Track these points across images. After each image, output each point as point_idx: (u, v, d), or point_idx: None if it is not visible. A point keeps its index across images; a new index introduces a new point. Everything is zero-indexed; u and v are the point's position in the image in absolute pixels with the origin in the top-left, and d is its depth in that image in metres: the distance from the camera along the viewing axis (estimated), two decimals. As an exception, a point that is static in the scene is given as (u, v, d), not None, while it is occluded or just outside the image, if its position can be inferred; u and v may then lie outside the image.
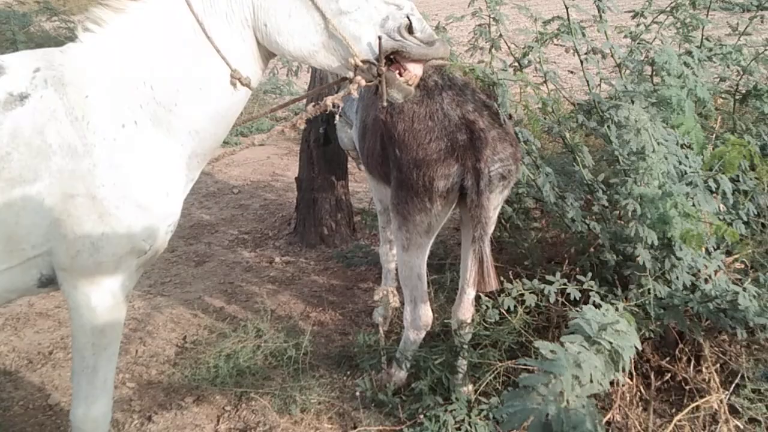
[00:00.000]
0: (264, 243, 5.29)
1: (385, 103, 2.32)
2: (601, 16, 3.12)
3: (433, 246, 4.42)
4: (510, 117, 3.06)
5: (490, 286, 2.86)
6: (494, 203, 2.95)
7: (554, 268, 3.59)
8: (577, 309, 2.90)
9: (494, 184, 2.86)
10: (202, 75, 2.30)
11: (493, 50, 3.88)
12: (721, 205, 3.29)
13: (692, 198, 2.64)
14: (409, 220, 2.99)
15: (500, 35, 3.78)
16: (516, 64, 3.81)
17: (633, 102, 2.78)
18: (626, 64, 3.10)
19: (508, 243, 3.94)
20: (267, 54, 2.43)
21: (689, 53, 2.87)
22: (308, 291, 4.49)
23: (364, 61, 2.29)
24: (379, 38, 2.25)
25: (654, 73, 2.90)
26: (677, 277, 3.01)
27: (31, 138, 2.09)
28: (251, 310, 4.13)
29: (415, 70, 2.33)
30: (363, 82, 2.32)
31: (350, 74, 2.34)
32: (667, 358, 3.20)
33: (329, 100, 2.43)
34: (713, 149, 2.83)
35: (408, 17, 2.27)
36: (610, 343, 1.88)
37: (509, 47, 3.83)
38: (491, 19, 3.75)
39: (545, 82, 3.53)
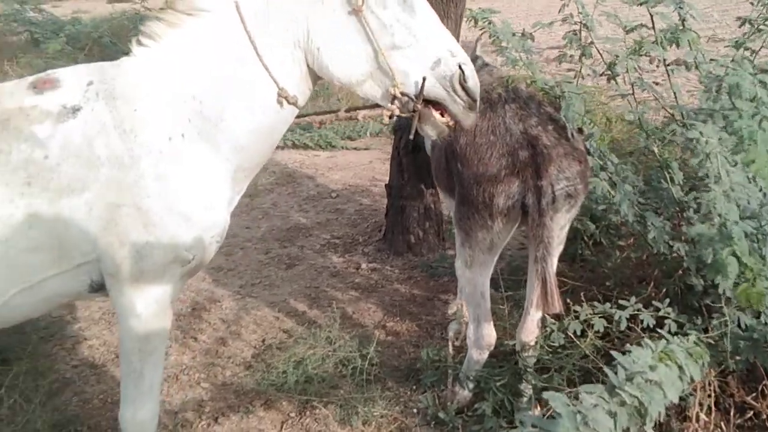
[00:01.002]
0: (354, 248, 5.32)
1: (411, 136, 2.40)
2: (683, 25, 2.89)
3: (508, 261, 4.32)
4: (581, 131, 2.90)
5: (554, 308, 2.72)
6: (560, 223, 2.81)
7: (639, 290, 3.38)
8: (650, 336, 2.74)
9: (559, 203, 2.72)
10: (249, 92, 2.36)
11: (583, 58, 3.71)
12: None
13: (759, 242, 2.37)
14: (471, 236, 2.90)
15: (591, 42, 3.59)
16: (609, 72, 3.61)
17: (707, 122, 2.54)
18: (703, 81, 2.85)
19: (590, 261, 3.74)
20: (315, 76, 2.46)
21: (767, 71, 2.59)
22: (389, 300, 4.47)
23: (403, 94, 2.32)
24: (424, 78, 2.30)
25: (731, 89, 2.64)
26: (765, 308, 2.75)
27: (81, 149, 2.20)
28: (330, 316, 4.15)
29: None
30: (397, 111, 2.37)
31: (387, 104, 2.37)
32: (753, 394, 2.93)
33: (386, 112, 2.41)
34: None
35: (461, 66, 2.32)
36: (634, 396, 1.72)
37: (601, 55, 3.63)
38: (582, 26, 3.57)
39: (632, 93, 3.31)
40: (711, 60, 2.86)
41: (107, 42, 9.25)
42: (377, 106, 2.48)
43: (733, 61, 2.81)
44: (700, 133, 2.33)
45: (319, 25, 2.35)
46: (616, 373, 1.87)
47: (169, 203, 2.27)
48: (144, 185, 2.23)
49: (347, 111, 2.82)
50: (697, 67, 2.86)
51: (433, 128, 2.44)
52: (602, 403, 1.73)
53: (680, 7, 2.80)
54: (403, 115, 2.40)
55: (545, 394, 1.71)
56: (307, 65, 2.41)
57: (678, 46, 2.97)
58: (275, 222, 5.92)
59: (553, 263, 2.87)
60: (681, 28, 2.87)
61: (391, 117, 2.41)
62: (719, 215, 2.31)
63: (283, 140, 7.06)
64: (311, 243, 5.49)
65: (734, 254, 2.23)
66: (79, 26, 10.09)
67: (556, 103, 2.84)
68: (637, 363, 1.90)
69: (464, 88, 2.35)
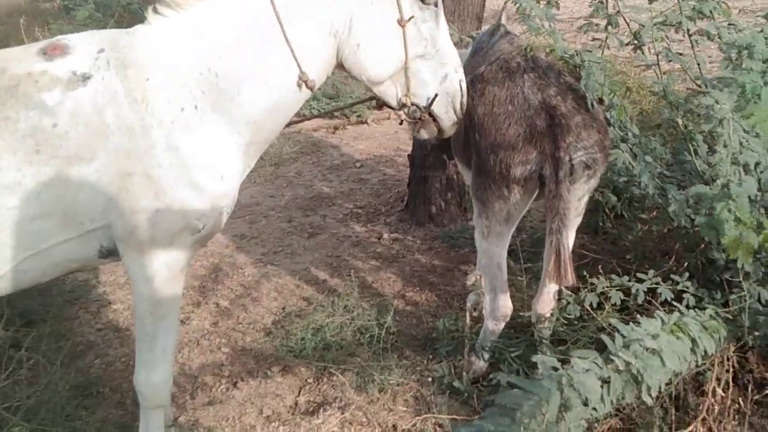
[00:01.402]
0: (376, 218, 5.33)
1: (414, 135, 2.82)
2: (707, -7, 2.81)
3: (530, 233, 4.29)
4: (601, 101, 2.85)
5: (567, 281, 2.71)
6: (578, 194, 2.77)
7: (660, 263, 3.34)
8: (669, 309, 2.72)
9: (577, 173, 2.69)
10: (270, 71, 2.42)
11: (609, 27, 3.63)
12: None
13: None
14: (488, 207, 2.88)
15: (618, 11, 3.51)
16: (635, 42, 3.53)
17: (723, 90, 2.48)
18: (723, 48, 2.77)
19: (612, 234, 3.69)
20: (335, 65, 2.60)
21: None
22: (409, 270, 4.48)
23: (413, 104, 2.63)
24: (436, 95, 2.63)
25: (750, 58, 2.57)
26: (787, 284, 2.72)
27: (90, 118, 2.20)
28: (350, 285, 4.18)
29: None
30: (403, 116, 2.68)
31: (395, 107, 2.67)
32: (773, 370, 2.89)
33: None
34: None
35: (460, 85, 2.67)
36: (628, 363, 1.71)
37: (628, 24, 3.54)
38: (609, -6, 3.49)
39: (657, 63, 3.24)
40: (729, 25, 2.78)
41: (136, 8, 9.29)
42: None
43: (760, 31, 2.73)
44: (715, 100, 2.29)
45: (364, 24, 2.50)
46: (614, 341, 1.86)
47: (180, 173, 2.28)
48: (155, 154, 2.25)
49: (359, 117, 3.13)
50: (719, 37, 2.78)
51: (428, 133, 2.82)
52: (595, 368, 1.72)
53: (702, -25, 2.73)
54: (409, 120, 2.71)
55: (534, 357, 1.71)
56: (334, 54, 2.54)
57: (704, 17, 2.90)
58: (299, 191, 5.95)
59: (569, 236, 2.85)
60: (703, -3, 2.79)
61: (401, 123, 2.77)
62: (725, 176, 2.29)
63: (309, 109, 7.11)
64: (334, 212, 5.51)
65: (730, 211, 2.19)
66: (108, -6, 10.14)
67: (576, 73, 2.79)
68: (636, 331, 1.88)
69: (461, 106, 2.70)
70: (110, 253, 2.40)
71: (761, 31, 2.74)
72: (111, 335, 3.80)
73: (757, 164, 2.40)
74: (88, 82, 2.22)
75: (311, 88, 2.51)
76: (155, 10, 2.41)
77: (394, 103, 2.67)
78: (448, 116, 2.72)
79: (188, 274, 4.44)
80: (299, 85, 2.48)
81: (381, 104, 2.87)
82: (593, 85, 2.63)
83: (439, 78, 2.64)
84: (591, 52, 2.70)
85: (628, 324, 2.34)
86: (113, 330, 3.88)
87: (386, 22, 2.51)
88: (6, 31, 10.53)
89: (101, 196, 2.24)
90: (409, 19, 2.51)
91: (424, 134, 2.83)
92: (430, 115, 2.68)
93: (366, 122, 7.59)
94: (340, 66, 2.62)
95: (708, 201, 2.32)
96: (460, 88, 2.67)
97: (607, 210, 3.67)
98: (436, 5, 2.61)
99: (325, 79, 2.62)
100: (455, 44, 4.22)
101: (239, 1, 2.41)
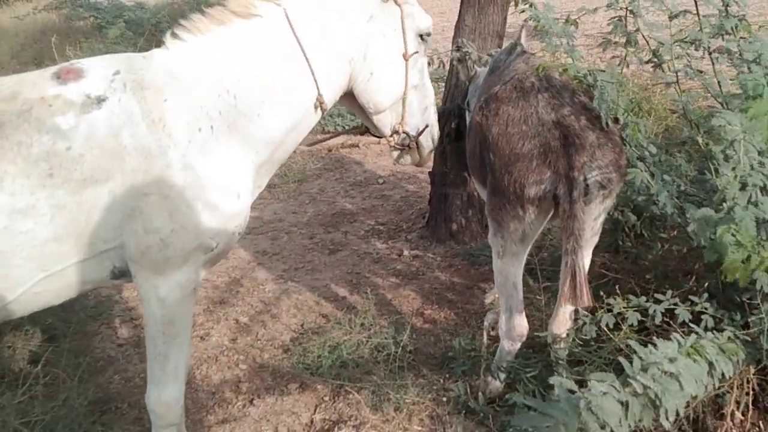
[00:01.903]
0: (397, 235, 5.33)
1: (396, 162, 3.14)
2: (727, 12, 2.77)
3: (550, 251, 4.25)
4: (616, 120, 2.83)
5: (582, 302, 2.68)
6: (593, 214, 2.75)
7: (681, 283, 3.30)
8: (687, 331, 2.67)
9: (592, 193, 2.66)
10: (292, 92, 2.56)
11: (628, 45, 3.61)
12: None
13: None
14: (503, 226, 2.87)
15: (637, 29, 3.49)
16: (654, 60, 3.51)
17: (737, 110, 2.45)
18: (736, 63, 2.73)
19: (631, 253, 3.65)
20: (343, 90, 2.78)
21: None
22: (429, 287, 4.47)
23: (404, 131, 2.91)
24: (426, 125, 2.97)
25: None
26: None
27: (106, 140, 2.24)
28: (371, 302, 4.18)
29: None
30: (392, 142, 2.96)
31: (389, 134, 2.93)
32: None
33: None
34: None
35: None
36: (645, 387, 1.69)
37: (647, 42, 3.52)
38: (628, 12, 3.48)
39: (677, 81, 3.21)
40: (751, 42, 2.75)
41: (166, 27, 9.45)
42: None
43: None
44: (727, 121, 2.27)
45: (377, 55, 2.73)
46: (631, 364, 1.84)
47: (196, 193, 2.33)
48: (171, 174, 2.29)
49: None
50: (741, 55, 2.75)
51: (411, 160, 3.10)
52: (612, 392, 1.70)
53: (723, -8, 2.70)
54: (398, 147, 3.00)
55: (551, 379, 1.69)
56: (348, 80, 2.74)
57: (725, 34, 2.87)
58: (321, 207, 5.97)
59: (585, 256, 2.83)
60: (724, 14, 2.76)
61: (390, 145, 3.01)
62: (732, 199, 2.26)
63: (334, 126, 7.16)
64: (356, 229, 5.53)
65: (733, 235, 2.16)
66: (139, 12, 10.33)
67: (591, 92, 2.77)
68: (654, 354, 1.86)
69: (435, 137, 3.08)
70: (122, 274, 2.43)
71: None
72: (131, 351, 3.85)
73: (763, 187, 2.36)
74: (103, 105, 2.26)
75: (324, 111, 2.68)
76: (174, 35, 2.49)
77: (387, 131, 2.92)
78: (427, 145, 3.05)
79: (209, 290, 4.50)
80: (316, 107, 2.64)
81: (365, 131, 3.14)
82: (606, 104, 2.61)
83: (422, 109, 2.95)
84: (604, 71, 2.68)
85: (645, 346, 2.31)
86: (134, 346, 3.92)
87: (395, 55, 2.76)
88: (40, 49, 10.79)
89: (115, 216, 2.27)
90: (413, 53, 2.80)
91: (407, 160, 3.11)
92: (416, 143, 2.98)
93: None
94: (348, 93, 2.81)
95: (712, 224, 2.29)
96: (437, 119, 3.08)
97: (627, 229, 3.63)
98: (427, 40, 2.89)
99: (335, 102, 2.82)
100: (474, 62, 4.25)
101: (263, 27, 2.52)
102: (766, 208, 2.27)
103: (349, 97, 2.85)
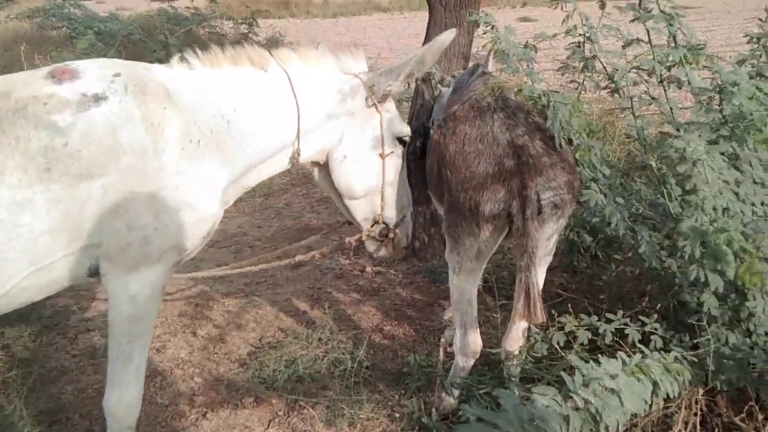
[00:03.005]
0: (361, 251, 5.33)
1: (374, 254, 3.43)
2: (676, 42, 2.85)
3: (510, 270, 4.30)
4: (570, 142, 2.89)
5: (536, 318, 2.71)
6: (546, 233, 2.79)
7: (634, 304, 3.36)
8: (633, 351, 2.72)
9: (546, 212, 2.71)
10: (276, 137, 2.83)
11: (585, 71, 3.68)
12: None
13: (753, 239, 2.35)
14: (459, 243, 2.91)
15: (594, 55, 3.56)
16: (611, 85, 3.58)
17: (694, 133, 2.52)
18: (695, 93, 2.81)
19: (586, 274, 3.71)
20: (319, 162, 3.10)
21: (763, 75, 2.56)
22: (389, 303, 4.48)
23: (384, 222, 3.21)
24: (404, 216, 3.31)
25: (722, 101, 2.60)
26: (755, 328, 2.72)
27: (103, 137, 2.33)
28: (329, 317, 4.19)
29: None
30: (372, 233, 3.24)
31: (367, 224, 3.22)
32: (742, 415, 2.88)
33: (347, 240, 3.39)
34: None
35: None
36: (586, 401, 1.72)
37: (605, 68, 3.60)
38: (585, 38, 3.55)
39: (632, 107, 3.28)
40: (705, 68, 2.84)
41: (137, 39, 9.44)
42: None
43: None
44: (687, 142, 2.34)
45: (352, 143, 3.04)
46: (573, 379, 1.87)
47: (182, 196, 2.46)
48: (163, 176, 2.41)
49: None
50: (689, 83, 2.83)
51: (386, 252, 3.39)
52: (554, 405, 1.73)
53: (670, 24, 2.77)
54: (377, 237, 3.27)
55: (496, 391, 1.72)
56: (323, 152, 3.03)
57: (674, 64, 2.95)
58: (287, 222, 5.98)
59: (538, 273, 2.87)
60: (673, 45, 2.84)
61: (367, 237, 3.28)
62: (713, 209, 2.32)
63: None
64: (320, 244, 5.51)
65: (730, 243, 2.21)
66: (111, 23, 10.31)
67: (545, 113, 2.83)
68: (596, 370, 1.90)
69: (411, 234, 3.44)
70: (96, 272, 2.47)
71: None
72: (85, 362, 3.80)
73: (725, 209, 2.43)
74: (101, 103, 2.36)
75: (295, 164, 2.99)
76: (182, 59, 2.71)
77: (360, 218, 3.22)
78: (402, 239, 3.35)
79: (168, 302, 4.47)
80: (291, 159, 2.94)
81: (346, 221, 3.48)
82: (559, 125, 2.67)
83: (400, 205, 3.27)
84: (558, 92, 2.74)
85: (592, 363, 2.35)
86: (88, 357, 3.87)
87: (370, 150, 3.07)
88: (10, 57, 10.68)
89: (104, 213, 2.34)
90: (389, 153, 3.10)
91: (382, 252, 3.40)
92: (392, 239, 3.28)
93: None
94: (328, 177, 3.12)
95: (700, 235, 2.34)
96: (412, 219, 3.42)
97: (582, 250, 3.69)
98: (405, 144, 3.22)
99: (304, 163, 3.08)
100: (439, 83, 4.30)
101: (266, 79, 2.81)
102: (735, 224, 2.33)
103: (327, 179, 3.15)
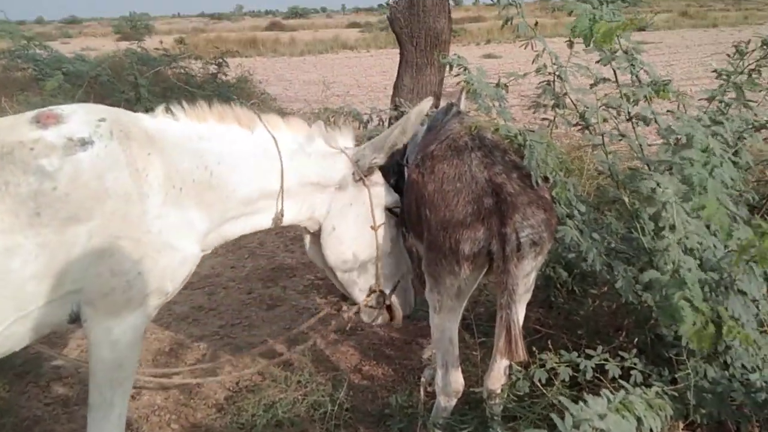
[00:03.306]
0: (336, 290, 5.28)
1: (372, 323, 3.48)
2: (640, 81, 2.94)
3: (487, 306, 4.31)
4: (546, 179, 2.93)
5: (518, 356, 2.71)
6: (525, 270, 2.81)
7: (611, 338, 3.38)
8: (618, 386, 2.73)
9: (525, 250, 2.72)
10: (257, 198, 2.86)
11: (556, 108, 3.76)
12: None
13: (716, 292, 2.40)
14: (439, 282, 2.91)
15: (565, 93, 3.64)
16: (582, 122, 3.66)
17: (664, 173, 2.58)
18: (662, 133, 2.89)
19: (563, 309, 3.73)
20: (311, 231, 3.18)
21: (720, 123, 2.63)
22: (368, 342, 4.45)
23: (380, 291, 3.27)
24: (399, 281, 3.36)
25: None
26: (732, 361, 2.76)
27: (89, 182, 2.33)
28: (308, 358, 4.14)
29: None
30: (371, 302, 3.31)
31: (363, 295, 3.29)
32: (721, 449, 2.90)
33: (345, 315, 3.42)
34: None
35: (412, 284, 3.48)
36: None
37: (575, 105, 3.67)
38: (555, 77, 3.63)
39: (603, 143, 3.35)
40: (668, 111, 2.92)
41: (105, 80, 9.40)
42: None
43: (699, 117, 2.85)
44: (657, 183, 2.38)
45: (340, 215, 3.10)
46: (563, 420, 1.87)
47: (165, 240, 2.47)
48: (146, 221, 2.42)
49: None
50: (656, 121, 2.90)
51: (383, 319, 3.43)
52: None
53: (632, 65, 2.85)
54: (374, 306, 3.33)
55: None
56: (311, 219, 3.09)
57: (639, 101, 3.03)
58: (260, 262, 5.94)
59: (518, 310, 2.88)
60: (637, 84, 2.92)
61: (365, 307, 3.35)
62: (673, 262, 2.34)
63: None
64: (295, 284, 5.50)
65: (687, 299, 2.24)
66: (79, 64, 10.26)
67: (521, 151, 2.87)
68: (585, 411, 1.90)
69: (412, 302, 3.49)
70: (77, 319, 2.44)
71: (700, 119, 2.87)
72: (59, 410, 3.70)
73: (693, 250, 2.47)
74: (88, 148, 2.36)
75: (278, 224, 2.99)
76: (167, 110, 2.74)
77: (356, 292, 3.29)
78: (402, 308, 3.39)
79: (143, 348, 4.38)
80: (274, 219, 2.96)
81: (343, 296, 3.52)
82: (535, 163, 2.71)
83: (399, 273, 3.33)
84: (533, 131, 2.79)
85: (577, 402, 2.35)
86: (61, 405, 3.78)
87: (360, 223, 3.12)
88: (-24, 99, 10.57)
89: (88, 257, 2.32)
90: (380, 225, 3.16)
91: (380, 321, 3.43)
92: (389, 307, 3.34)
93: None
94: (316, 244, 3.17)
95: (660, 287, 2.37)
96: (412, 286, 3.42)
97: (559, 285, 3.72)
98: (397, 215, 3.25)
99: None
100: (413, 121, 4.34)
101: (252, 139, 2.86)
102: (693, 270, 2.36)
103: (320, 252, 3.18)
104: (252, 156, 2.83)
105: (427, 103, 3.07)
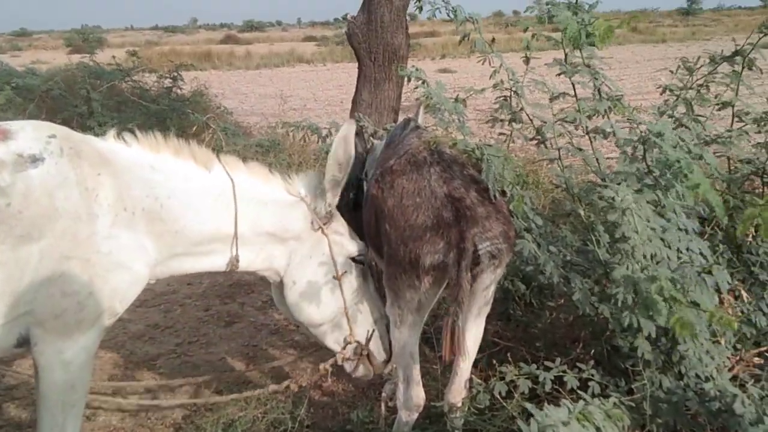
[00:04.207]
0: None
1: (352, 374, 3.38)
2: (601, 95, 3.00)
3: (440, 320, 4.32)
4: (503, 193, 2.96)
5: (461, 352, 2.71)
6: (484, 283, 2.83)
7: (569, 350, 3.42)
8: (576, 397, 2.76)
9: (484, 263, 2.74)
10: (208, 239, 2.79)
11: (513, 123, 3.82)
12: (745, 293, 3.07)
13: (681, 284, 2.46)
14: (399, 296, 2.91)
15: (521, 108, 3.70)
16: (538, 137, 3.71)
17: (621, 183, 2.64)
18: (620, 145, 2.96)
19: (522, 322, 3.77)
20: (273, 280, 3.12)
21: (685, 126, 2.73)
22: (327, 358, 4.41)
23: (356, 341, 3.18)
24: (373, 330, 3.23)
25: (645, 151, 2.74)
26: (686, 371, 2.81)
27: (41, 199, 2.27)
28: (267, 375, 4.10)
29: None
30: (348, 354, 3.22)
31: (338, 347, 3.21)
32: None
33: (322, 366, 3.32)
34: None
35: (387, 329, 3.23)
36: None
37: (531, 120, 3.73)
38: (512, 92, 3.69)
39: (559, 158, 3.41)
40: (629, 120, 2.99)
41: (57, 94, 9.21)
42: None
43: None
44: (616, 192, 2.44)
45: (299, 268, 3.02)
46: (529, 427, 1.88)
47: (114, 260, 2.43)
48: (96, 241, 2.37)
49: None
50: (614, 134, 2.97)
51: (364, 370, 3.31)
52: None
53: (595, 78, 2.92)
54: (351, 358, 3.23)
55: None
56: (269, 268, 3.01)
57: (600, 115, 3.09)
58: (217, 278, 5.86)
59: (476, 322, 2.91)
60: (598, 97, 2.98)
61: (343, 360, 3.24)
62: (644, 256, 2.40)
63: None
64: (253, 300, 5.45)
65: (661, 292, 2.29)
66: (30, 78, 10.04)
67: (479, 166, 2.90)
68: (549, 418, 1.92)
69: (388, 346, 3.27)
70: (24, 342, 2.38)
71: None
72: (10, 433, 3.59)
73: (653, 256, 2.53)
74: (38, 164, 2.31)
75: (234, 270, 2.92)
76: (119, 136, 2.68)
77: (330, 344, 3.21)
78: (380, 355, 3.28)
79: (96, 367, 4.28)
80: (229, 263, 2.89)
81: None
82: (493, 177, 2.74)
83: (371, 321, 3.22)
84: (491, 145, 2.82)
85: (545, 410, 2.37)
86: (15, 427, 3.67)
87: (321, 275, 3.04)
88: None
89: (39, 277, 2.26)
90: (343, 273, 3.08)
91: (360, 371, 3.31)
92: (367, 355, 3.23)
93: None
94: (281, 295, 3.11)
95: (631, 283, 2.42)
96: (387, 331, 3.21)
97: (517, 298, 3.75)
98: (362, 263, 3.17)
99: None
100: (371, 135, 4.36)
101: (208, 179, 2.79)
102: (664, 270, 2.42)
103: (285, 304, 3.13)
104: (206, 196, 2.77)
105: (349, 127, 3.00)
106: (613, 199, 2.49)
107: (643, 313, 2.43)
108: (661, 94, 3.72)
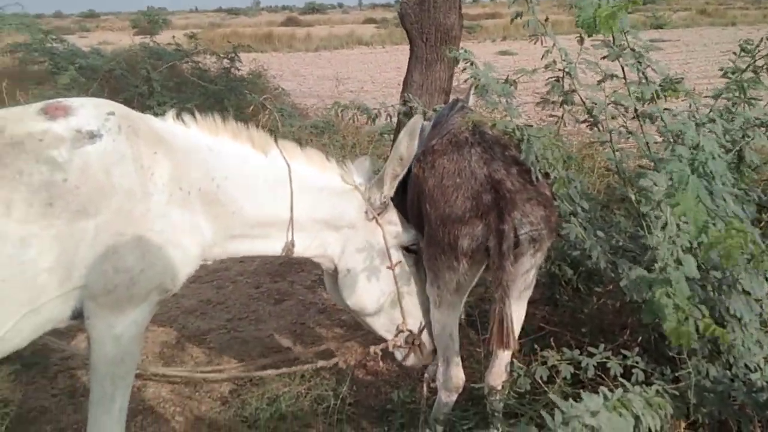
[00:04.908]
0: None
1: (403, 362, 3.33)
2: (647, 79, 2.90)
3: (486, 304, 4.29)
4: (546, 175, 2.90)
5: (509, 347, 2.69)
6: (525, 267, 2.79)
7: (615, 337, 3.36)
8: (615, 384, 2.71)
9: (523, 246, 2.71)
10: (264, 222, 2.84)
11: (564, 105, 3.74)
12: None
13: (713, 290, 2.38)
14: (439, 276, 2.90)
15: (573, 90, 3.61)
16: (590, 119, 3.63)
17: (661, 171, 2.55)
18: (661, 131, 2.86)
19: (568, 307, 3.71)
20: (328, 264, 3.12)
21: (713, 120, 2.61)
22: (373, 337, 4.42)
23: (408, 330, 3.17)
24: (426, 322, 3.17)
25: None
26: (734, 360, 2.72)
27: (97, 175, 2.33)
28: (313, 353, 4.15)
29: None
30: (399, 342, 3.20)
31: (390, 335, 3.20)
32: (724, 447, 2.87)
33: (372, 349, 3.29)
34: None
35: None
36: None
37: (584, 102, 3.64)
38: (565, 73, 3.60)
39: (611, 140, 3.32)
40: (665, 110, 2.88)
41: (119, 74, 9.45)
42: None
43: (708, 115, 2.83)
44: (653, 182, 2.36)
45: (354, 256, 3.03)
46: (552, 417, 1.86)
47: (167, 239, 2.47)
48: (149, 219, 2.42)
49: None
50: (662, 119, 2.87)
51: (415, 359, 3.28)
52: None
53: (639, 62, 2.82)
54: (403, 346, 3.21)
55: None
56: (326, 256, 3.05)
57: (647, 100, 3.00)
58: (269, 256, 5.94)
59: (518, 307, 2.87)
60: (644, 81, 2.89)
61: (394, 347, 3.22)
62: (663, 259, 2.32)
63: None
64: (302, 278, 5.51)
65: (668, 296, 2.21)
66: (94, 58, 10.30)
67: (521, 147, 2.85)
68: (575, 408, 1.89)
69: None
70: (78, 315, 2.44)
71: (694, 117, 2.84)
72: (66, 401, 3.74)
73: (691, 247, 2.44)
74: (96, 141, 2.37)
75: (289, 255, 2.95)
76: (178, 117, 2.73)
77: (382, 332, 3.21)
78: (430, 345, 3.20)
79: (149, 340, 4.42)
80: (285, 248, 2.93)
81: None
82: (533, 159, 2.69)
83: (423, 309, 3.16)
84: (532, 126, 2.76)
85: (576, 399, 2.34)
86: (68, 395, 3.81)
87: (376, 264, 3.04)
88: (-7, 93, 10.67)
89: (94, 252, 2.32)
90: (397, 263, 3.08)
91: (411, 360, 3.28)
92: (420, 345, 3.20)
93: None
94: (334, 283, 3.13)
95: (646, 285, 2.35)
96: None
97: (563, 283, 3.70)
98: (416, 252, 3.12)
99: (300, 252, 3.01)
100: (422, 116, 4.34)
101: (265, 164, 2.83)
102: (691, 268, 2.33)
103: (339, 292, 3.15)
104: (262, 179, 2.80)
105: (417, 121, 2.98)
106: (650, 189, 2.41)
107: (647, 318, 2.36)
108: (722, 77, 3.58)
